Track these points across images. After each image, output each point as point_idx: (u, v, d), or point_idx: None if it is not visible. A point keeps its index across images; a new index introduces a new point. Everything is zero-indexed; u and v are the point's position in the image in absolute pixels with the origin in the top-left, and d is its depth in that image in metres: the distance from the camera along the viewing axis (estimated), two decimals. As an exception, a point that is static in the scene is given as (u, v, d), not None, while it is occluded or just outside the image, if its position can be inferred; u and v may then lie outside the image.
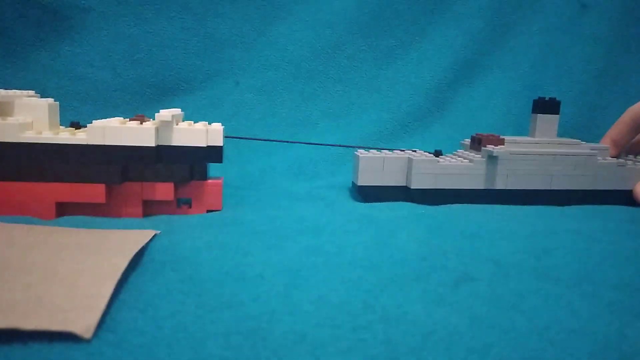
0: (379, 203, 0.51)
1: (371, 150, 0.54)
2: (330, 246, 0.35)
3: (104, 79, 0.68)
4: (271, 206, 0.48)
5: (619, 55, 0.80)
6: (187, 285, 0.28)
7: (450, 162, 0.52)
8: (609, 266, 0.33)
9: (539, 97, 0.55)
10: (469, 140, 0.56)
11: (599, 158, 0.54)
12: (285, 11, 0.74)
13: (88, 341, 0.21)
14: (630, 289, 0.30)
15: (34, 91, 0.46)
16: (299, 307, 0.26)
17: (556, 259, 0.35)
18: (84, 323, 0.22)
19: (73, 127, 0.45)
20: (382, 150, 0.54)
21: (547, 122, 0.54)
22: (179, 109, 0.46)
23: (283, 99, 0.74)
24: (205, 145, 0.43)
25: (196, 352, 0.21)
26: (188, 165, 0.43)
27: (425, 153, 0.54)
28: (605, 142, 0.58)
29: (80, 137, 0.41)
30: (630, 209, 0.52)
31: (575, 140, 0.55)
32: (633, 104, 0.58)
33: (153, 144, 0.41)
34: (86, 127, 0.41)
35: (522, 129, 0.73)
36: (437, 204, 0.51)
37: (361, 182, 0.51)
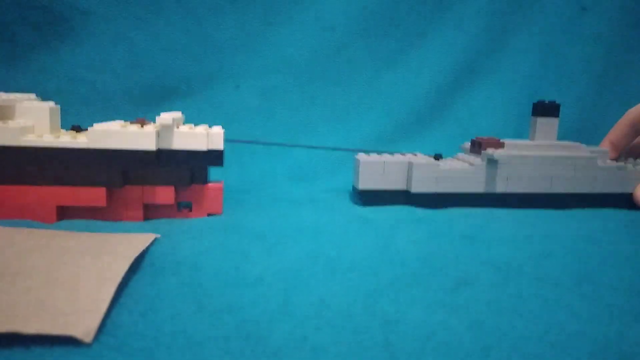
0: (379, 207, 0.51)
1: (371, 154, 0.54)
2: (330, 250, 0.35)
3: (104, 82, 0.68)
4: (271, 210, 0.48)
5: (618, 58, 0.80)
6: (188, 289, 0.28)
7: (450, 165, 0.52)
8: (608, 269, 0.33)
9: (539, 101, 0.55)
10: (469, 143, 0.57)
11: (598, 161, 0.54)
12: (286, 14, 0.75)
13: (88, 345, 0.21)
14: (629, 291, 0.30)
15: (34, 94, 0.46)
16: (299, 311, 0.26)
17: (555, 262, 0.35)
18: (84, 327, 0.22)
19: (74, 130, 0.45)
20: (383, 154, 0.54)
21: (547, 126, 0.54)
22: (180, 112, 0.46)
23: (283, 102, 0.74)
24: (205, 149, 0.43)
25: (196, 355, 0.21)
26: (189, 168, 0.43)
27: (425, 156, 0.54)
28: (605, 145, 0.58)
29: (81, 140, 0.41)
30: (630, 212, 0.52)
31: (575, 143, 0.55)
32: (633, 106, 0.58)
33: (154, 148, 0.41)
34: (87, 130, 0.41)
35: (522, 132, 0.73)
36: (438, 208, 0.51)
37: (362, 186, 0.51)
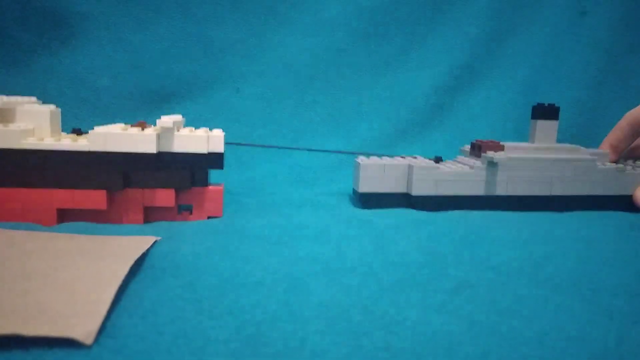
0: (379, 209, 0.51)
1: (372, 157, 0.54)
2: (330, 252, 0.35)
3: (105, 85, 0.69)
4: (271, 212, 0.48)
5: (618, 61, 0.80)
6: (188, 292, 0.28)
7: (450, 168, 0.52)
8: (608, 272, 0.33)
9: (538, 103, 0.55)
10: (469, 146, 0.57)
11: (598, 163, 0.54)
12: (286, 18, 0.75)
13: (89, 347, 0.21)
14: (629, 294, 0.30)
15: (35, 97, 0.46)
16: (299, 314, 0.26)
17: (555, 264, 0.35)
18: (84, 329, 0.22)
19: (74, 133, 0.45)
20: (383, 157, 0.55)
21: (547, 128, 0.54)
22: (180, 115, 0.46)
23: (283, 105, 0.74)
24: (206, 152, 0.43)
25: (196, 358, 0.22)
26: (189, 171, 0.43)
27: (425, 159, 0.54)
28: (604, 148, 0.58)
29: (81, 143, 0.41)
30: (630, 214, 0.52)
31: (574, 146, 0.55)
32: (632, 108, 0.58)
33: (154, 151, 0.41)
34: (87, 133, 0.42)
35: (522, 135, 0.73)
36: (438, 210, 0.51)
37: (362, 189, 0.51)
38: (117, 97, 0.69)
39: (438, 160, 0.54)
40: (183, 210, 0.45)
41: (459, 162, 0.55)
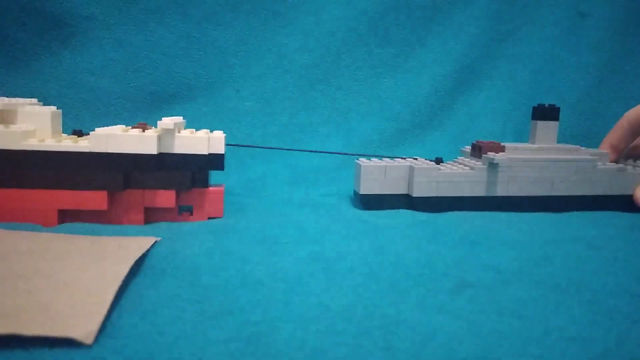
0: (380, 211, 0.51)
1: (372, 159, 0.54)
2: (330, 253, 0.35)
3: (105, 87, 0.69)
4: (272, 213, 0.48)
5: (618, 62, 0.80)
6: (188, 292, 0.28)
7: (451, 169, 0.52)
8: (608, 273, 0.33)
9: (539, 104, 0.55)
10: (470, 147, 0.57)
11: (599, 163, 0.54)
12: (286, 20, 0.75)
13: (89, 347, 0.21)
14: (629, 295, 0.30)
15: (36, 99, 0.46)
16: (299, 314, 0.26)
17: (555, 266, 0.35)
18: (85, 329, 0.22)
19: (75, 135, 0.45)
20: (384, 159, 0.55)
21: (547, 129, 0.54)
22: (181, 117, 0.46)
23: (283, 106, 0.74)
24: (206, 153, 0.44)
25: (197, 358, 0.22)
26: (190, 172, 0.44)
27: (426, 161, 0.54)
28: (604, 148, 0.58)
29: (82, 144, 0.41)
30: (630, 215, 0.52)
31: (575, 146, 0.55)
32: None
33: (155, 152, 0.42)
34: (88, 135, 0.42)
35: (522, 136, 0.73)
36: (439, 212, 0.51)
37: (363, 190, 0.52)
38: (118, 99, 0.69)
39: (439, 161, 0.54)
40: (183, 211, 0.45)
41: (460, 163, 0.55)
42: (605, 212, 0.53)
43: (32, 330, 0.21)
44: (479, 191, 0.52)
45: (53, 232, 0.37)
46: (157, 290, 0.28)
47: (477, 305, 0.28)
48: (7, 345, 0.21)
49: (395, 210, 0.51)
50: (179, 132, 0.43)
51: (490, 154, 0.51)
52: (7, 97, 0.43)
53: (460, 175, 0.51)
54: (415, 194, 0.51)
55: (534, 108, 0.55)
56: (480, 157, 0.53)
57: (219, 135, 0.44)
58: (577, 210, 0.53)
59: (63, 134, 0.45)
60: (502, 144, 0.53)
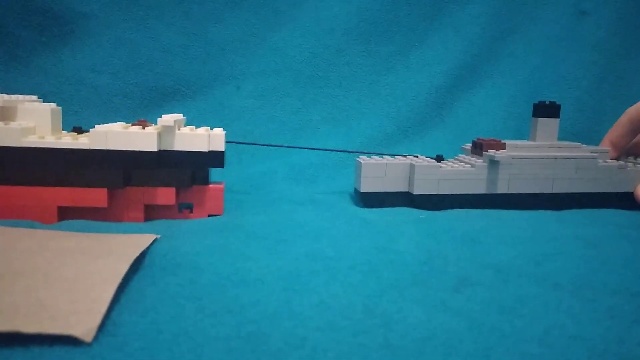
0: (380, 208, 0.51)
1: (373, 157, 0.54)
2: (330, 251, 0.35)
3: (105, 84, 0.69)
4: (272, 211, 0.48)
5: (618, 60, 0.80)
6: (188, 290, 0.28)
7: (452, 167, 0.52)
8: (608, 271, 0.33)
9: (539, 101, 0.55)
10: (470, 145, 0.57)
11: (599, 161, 0.54)
12: (286, 17, 0.75)
13: (89, 345, 0.21)
14: (629, 294, 0.30)
15: (36, 96, 0.46)
16: (299, 312, 0.26)
17: (556, 264, 0.35)
18: (84, 327, 0.22)
19: (75, 132, 0.45)
20: (384, 156, 0.54)
21: (548, 126, 0.54)
22: (181, 114, 0.46)
23: (284, 104, 0.74)
24: (207, 150, 0.43)
25: (196, 356, 0.22)
26: (190, 170, 0.44)
27: (427, 158, 0.54)
28: (605, 145, 0.58)
29: (82, 141, 0.41)
30: (631, 212, 0.52)
31: (575, 143, 0.55)
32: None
33: (155, 149, 0.41)
34: (88, 132, 0.42)
35: (523, 133, 0.73)
36: (439, 209, 0.51)
37: (364, 188, 0.51)
38: (118, 96, 0.69)
39: (439, 159, 0.54)
40: (184, 208, 0.45)
41: (461, 161, 0.55)
42: (606, 209, 0.53)
43: (32, 328, 0.21)
44: (480, 189, 0.52)
45: (53, 230, 0.37)
46: (156, 287, 0.28)
47: (477, 303, 0.28)
48: (6, 343, 0.21)
49: (396, 208, 0.51)
50: (179, 130, 0.43)
51: (491, 152, 0.51)
52: (7, 93, 0.43)
53: (461, 172, 0.51)
54: (416, 192, 0.51)
55: (535, 105, 0.55)
56: (481, 154, 0.53)
57: (219, 132, 0.44)
58: (578, 207, 0.53)
59: (63, 131, 0.45)
60: (502, 141, 0.53)
